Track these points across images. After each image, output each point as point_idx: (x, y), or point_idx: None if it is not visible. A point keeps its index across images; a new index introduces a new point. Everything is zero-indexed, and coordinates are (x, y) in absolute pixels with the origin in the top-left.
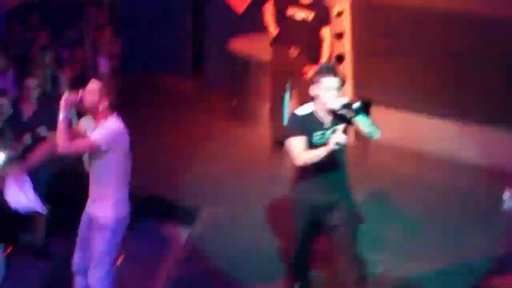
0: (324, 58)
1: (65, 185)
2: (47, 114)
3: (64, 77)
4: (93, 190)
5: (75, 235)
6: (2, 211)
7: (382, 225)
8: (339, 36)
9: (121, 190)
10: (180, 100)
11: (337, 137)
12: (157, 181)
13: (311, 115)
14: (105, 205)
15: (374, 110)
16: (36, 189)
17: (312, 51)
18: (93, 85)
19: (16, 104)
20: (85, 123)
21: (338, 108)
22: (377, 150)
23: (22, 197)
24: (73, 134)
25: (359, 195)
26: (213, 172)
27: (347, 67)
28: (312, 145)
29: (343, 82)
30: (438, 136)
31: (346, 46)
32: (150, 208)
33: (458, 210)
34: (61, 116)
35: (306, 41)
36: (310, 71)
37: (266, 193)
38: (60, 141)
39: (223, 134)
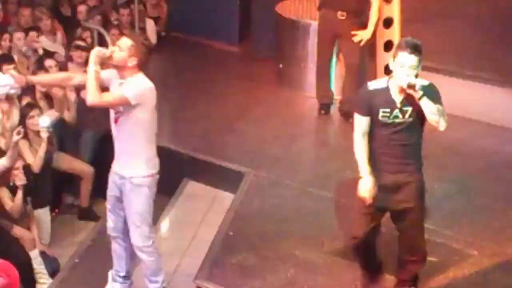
0: (372, 22)
1: (109, 148)
2: None
3: (112, 39)
4: (122, 149)
5: None
6: (48, 174)
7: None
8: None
9: (150, 146)
10: (226, 64)
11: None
12: (202, 144)
13: (383, 90)
14: (137, 163)
15: (422, 75)
16: (81, 152)
17: (360, 14)
18: (124, 41)
19: (64, 66)
20: (108, 78)
21: (407, 87)
22: None
23: None
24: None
25: None
26: (259, 136)
27: (395, 31)
28: (378, 121)
29: (419, 60)
30: (487, 102)
31: (394, 10)
32: (195, 172)
33: (510, 177)
34: (90, 69)
35: (353, 5)
36: (358, 35)
37: (312, 157)
38: (90, 94)
39: (269, 98)
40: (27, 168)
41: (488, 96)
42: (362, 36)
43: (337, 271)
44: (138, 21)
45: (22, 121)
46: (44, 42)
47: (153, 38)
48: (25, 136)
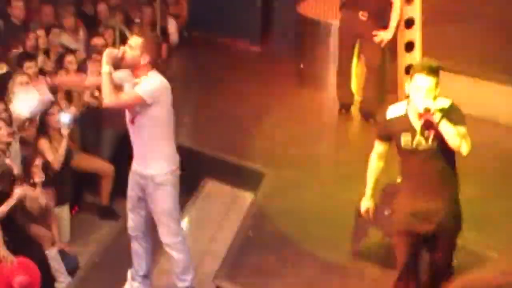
0: (393, 22)
1: (130, 146)
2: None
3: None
4: (141, 148)
5: None
6: (68, 171)
7: None
8: (409, 0)
9: (169, 143)
10: (247, 64)
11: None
12: (223, 144)
13: (401, 117)
14: (157, 161)
15: (443, 75)
16: (101, 150)
17: (381, 15)
18: (134, 40)
19: (83, 64)
20: (120, 78)
21: (424, 112)
22: None
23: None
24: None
25: None
26: (280, 136)
27: (416, 32)
28: (402, 149)
29: (436, 82)
30: (509, 104)
31: (416, 10)
32: (215, 171)
33: None
34: (104, 70)
35: (375, 5)
36: (379, 35)
37: (332, 158)
38: (106, 95)
39: (290, 97)
40: (46, 165)
41: (510, 98)
42: (383, 36)
43: (356, 273)
44: (160, 20)
45: (42, 118)
46: (66, 40)
47: (175, 37)
48: (46, 134)
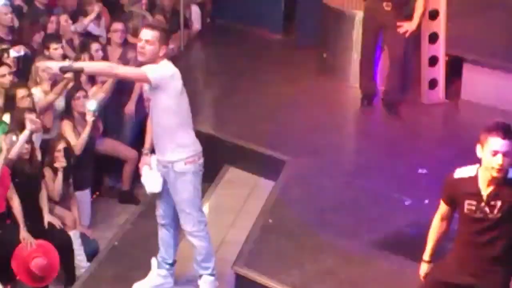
0: (417, 14)
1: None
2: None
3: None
4: (159, 138)
5: None
6: (90, 156)
7: None
8: None
9: (183, 132)
10: (270, 52)
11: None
12: (244, 131)
13: (470, 179)
14: (174, 149)
15: (467, 68)
16: (124, 135)
17: (406, 5)
18: (150, 34)
19: (103, 49)
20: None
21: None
22: (467, 108)
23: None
24: None
25: (450, 152)
26: (301, 124)
27: (440, 23)
28: (463, 214)
29: None
30: None
31: (440, 2)
32: (236, 158)
33: None
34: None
35: None
36: (403, 26)
37: (353, 148)
38: (114, 67)
39: (312, 87)
40: (68, 150)
41: None
42: (407, 27)
43: (374, 263)
44: (184, 7)
45: (69, 101)
46: (89, 26)
47: (198, 24)
48: (70, 117)
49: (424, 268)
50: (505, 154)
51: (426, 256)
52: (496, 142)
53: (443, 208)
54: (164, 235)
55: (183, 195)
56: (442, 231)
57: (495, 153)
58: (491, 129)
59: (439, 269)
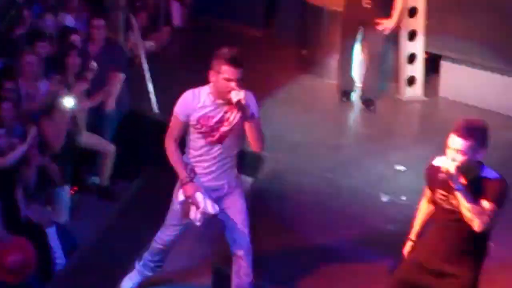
0: (396, 11)
1: (132, 128)
2: (111, 55)
3: (137, 22)
4: (225, 164)
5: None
6: (69, 154)
7: None
8: None
9: None
10: (249, 48)
11: None
12: None
13: (439, 169)
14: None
15: (445, 66)
16: (103, 130)
17: (385, 3)
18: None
19: (85, 42)
20: None
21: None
22: (447, 106)
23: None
24: None
25: (427, 149)
26: (279, 121)
27: (420, 21)
28: (435, 202)
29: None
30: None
31: (419, 0)
32: None
33: None
34: None
35: None
36: (382, 23)
37: (332, 144)
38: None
39: (291, 83)
40: (46, 145)
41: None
42: (387, 24)
43: (353, 259)
44: (164, 4)
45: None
46: (69, 21)
47: (178, 22)
48: (49, 113)
49: (407, 247)
50: (455, 151)
51: (412, 235)
52: (452, 140)
53: (427, 192)
54: (160, 250)
55: (244, 212)
56: (428, 212)
57: (450, 148)
58: (454, 125)
59: (402, 268)
